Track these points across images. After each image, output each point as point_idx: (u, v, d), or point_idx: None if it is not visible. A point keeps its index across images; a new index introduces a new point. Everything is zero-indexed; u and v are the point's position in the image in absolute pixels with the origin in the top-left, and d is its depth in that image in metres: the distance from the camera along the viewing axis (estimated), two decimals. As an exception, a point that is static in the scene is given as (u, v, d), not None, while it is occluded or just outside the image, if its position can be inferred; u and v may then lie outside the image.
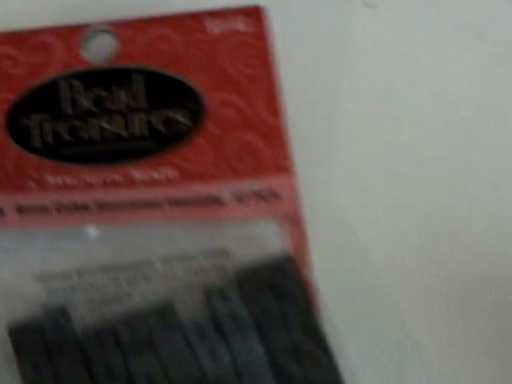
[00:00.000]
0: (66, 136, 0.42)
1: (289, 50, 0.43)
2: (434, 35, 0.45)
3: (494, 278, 0.41)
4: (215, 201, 0.41)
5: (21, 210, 0.41)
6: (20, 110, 0.42)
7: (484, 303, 0.41)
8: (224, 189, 0.41)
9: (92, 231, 0.41)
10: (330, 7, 0.45)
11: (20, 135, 0.42)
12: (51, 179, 0.41)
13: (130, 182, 0.41)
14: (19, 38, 0.43)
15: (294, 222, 0.41)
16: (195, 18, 0.43)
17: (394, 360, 0.40)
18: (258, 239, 0.41)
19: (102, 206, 0.41)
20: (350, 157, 0.43)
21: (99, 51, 0.43)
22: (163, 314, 0.39)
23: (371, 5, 0.45)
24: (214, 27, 0.43)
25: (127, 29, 0.43)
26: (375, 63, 0.44)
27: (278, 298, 0.39)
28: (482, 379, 0.40)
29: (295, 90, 0.42)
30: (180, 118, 0.42)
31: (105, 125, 0.42)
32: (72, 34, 0.43)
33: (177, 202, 0.41)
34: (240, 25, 0.43)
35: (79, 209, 0.41)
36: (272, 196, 0.41)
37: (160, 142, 0.41)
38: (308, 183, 0.41)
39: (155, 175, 0.41)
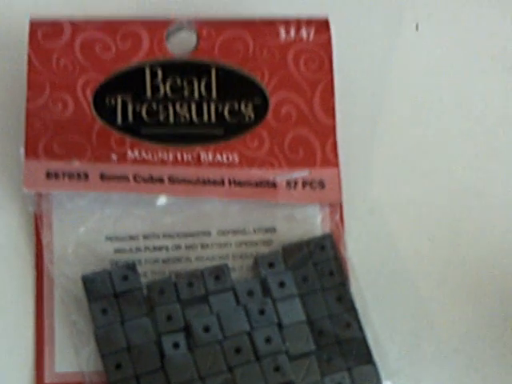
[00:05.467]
0: (145, 117, 0.47)
1: (343, 61, 0.49)
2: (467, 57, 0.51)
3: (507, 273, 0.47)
4: (269, 185, 0.47)
5: (103, 176, 0.46)
6: (107, 90, 0.47)
7: (493, 293, 0.47)
8: (278, 175, 0.47)
9: (161, 200, 0.47)
10: (381, 26, 0.51)
11: (105, 112, 0.47)
12: (130, 153, 0.47)
13: (198, 162, 0.47)
14: (112, 26, 0.48)
15: (335, 208, 0.47)
16: (270, 25, 0.48)
17: (410, 330, 0.46)
18: (303, 221, 0.47)
19: (173, 180, 0.46)
20: (387, 158, 0.49)
21: (181, 44, 0.48)
22: (218, 275, 0.45)
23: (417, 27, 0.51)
24: (286, 34, 0.48)
25: (208, 27, 0.48)
26: (415, 76, 0.50)
27: (319, 271, 0.45)
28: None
29: (346, 95, 0.48)
30: (246, 110, 0.47)
31: (179, 110, 0.47)
32: (159, 26, 0.48)
33: (236, 182, 0.47)
34: (309, 34, 0.48)
35: (153, 180, 0.46)
36: (318, 185, 0.47)
37: (227, 130, 0.47)
38: (349, 177, 0.47)
39: (220, 158, 0.47)
